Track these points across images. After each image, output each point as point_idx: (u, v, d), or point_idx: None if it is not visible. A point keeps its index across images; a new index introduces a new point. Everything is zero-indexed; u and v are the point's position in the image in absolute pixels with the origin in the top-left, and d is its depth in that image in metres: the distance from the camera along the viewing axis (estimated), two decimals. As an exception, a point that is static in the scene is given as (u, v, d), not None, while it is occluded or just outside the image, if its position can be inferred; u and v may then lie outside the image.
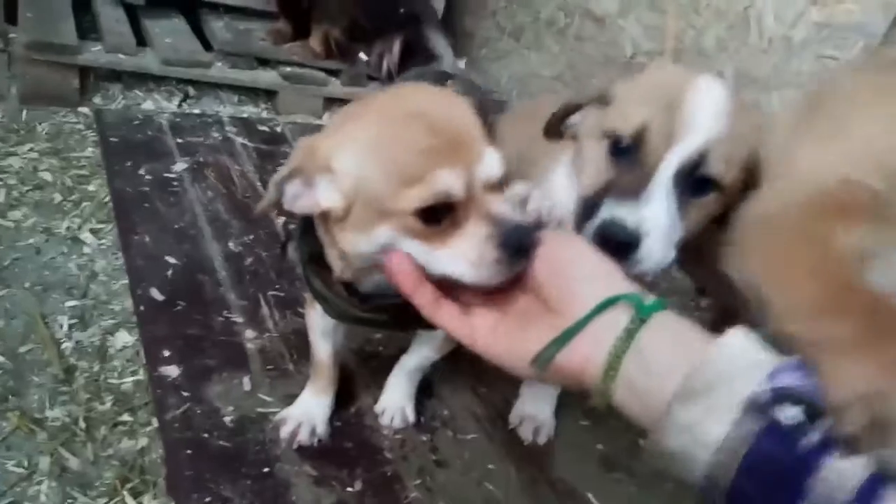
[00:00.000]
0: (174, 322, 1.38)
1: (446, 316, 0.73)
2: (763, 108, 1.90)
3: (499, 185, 0.78)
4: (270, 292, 1.53)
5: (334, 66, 2.66)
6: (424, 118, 0.74)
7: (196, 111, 2.35)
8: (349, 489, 1.16)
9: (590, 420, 1.44)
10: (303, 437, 1.19)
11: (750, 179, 0.94)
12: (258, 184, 1.94)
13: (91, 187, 1.80)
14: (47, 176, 1.80)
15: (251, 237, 1.69)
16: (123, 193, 1.74)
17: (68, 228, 1.64)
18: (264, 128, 2.30)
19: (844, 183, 0.73)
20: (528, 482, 1.27)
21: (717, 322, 1.16)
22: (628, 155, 0.92)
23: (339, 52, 2.65)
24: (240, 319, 1.44)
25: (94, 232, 1.65)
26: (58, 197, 1.74)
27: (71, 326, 1.39)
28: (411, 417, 1.31)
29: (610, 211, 0.88)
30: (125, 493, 1.11)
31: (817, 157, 0.81)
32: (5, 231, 1.58)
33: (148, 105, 2.29)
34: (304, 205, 0.80)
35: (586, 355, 0.64)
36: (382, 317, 0.96)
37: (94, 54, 2.18)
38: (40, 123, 2.01)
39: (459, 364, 1.45)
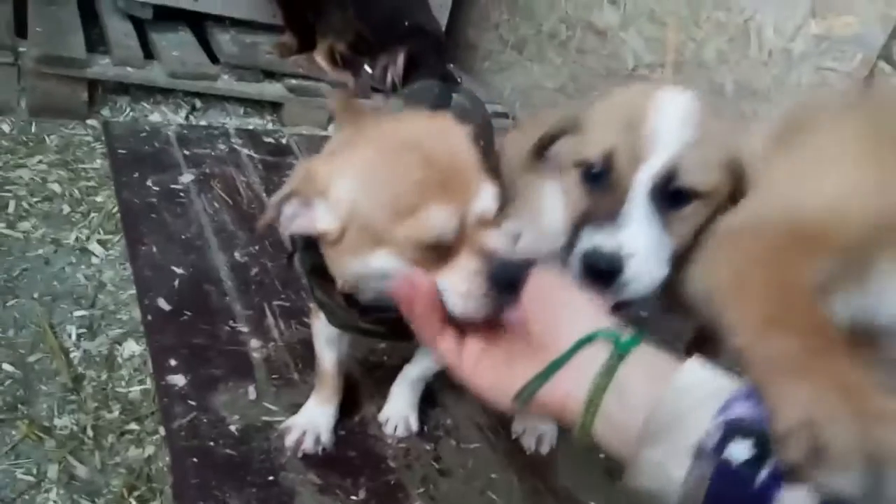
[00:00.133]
0: (181, 331, 1.40)
1: (443, 339, 0.74)
2: (763, 119, 1.91)
3: (494, 218, 0.79)
4: (276, 302, 1.55)
5: (339, 78, 2.69)
6: (421, 150, 0.76)
7: (203, 123, 2.38)
8: (353, 497, 1.17)
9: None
10: (307, 446, 1.20)
11: (736, 184, 0.94)
12: (264, 195, 1.96)
13: (99, 198, 1.83)
14: (56, 187, 1.82)
15: (257, 248, 1.71)
16: (131, 204, 1.76)
17: (77, 239, 1.66)
18: (270, 139, 2.32)
19: (818, 219, 0.75)
20: (530, 492, 1.28)
21: (694, 344, 1.18)
22: (601, 181, 0.93)
23: (343, 65, 2.69)
24: (245, 329, 1.45)
25: (102, 243, 1.67)
26: (66, 208, 1.76)
27: (79, 336, 1.41)
28: (414, 426, 1.32)
29: (589, 240, 0.88)
30: (132, 500, 1.13)
31: (794, 188, 0.83)
32: (15, 242, 1.60)
33: (155, 117, 2.32)
34: (300, 225, 0.82)
35: (567, 391, 0.64)
36: (382, 328, 0.98)
37: (102, 67, 2.21)
38: (49, 135, 2.04)
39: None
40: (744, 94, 1.97)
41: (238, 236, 1.74)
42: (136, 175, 1.88)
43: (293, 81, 2.58)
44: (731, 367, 0.61)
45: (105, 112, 2.25)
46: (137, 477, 1.17)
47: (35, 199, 1.76)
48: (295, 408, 1.26)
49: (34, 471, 1.14)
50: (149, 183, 1.86)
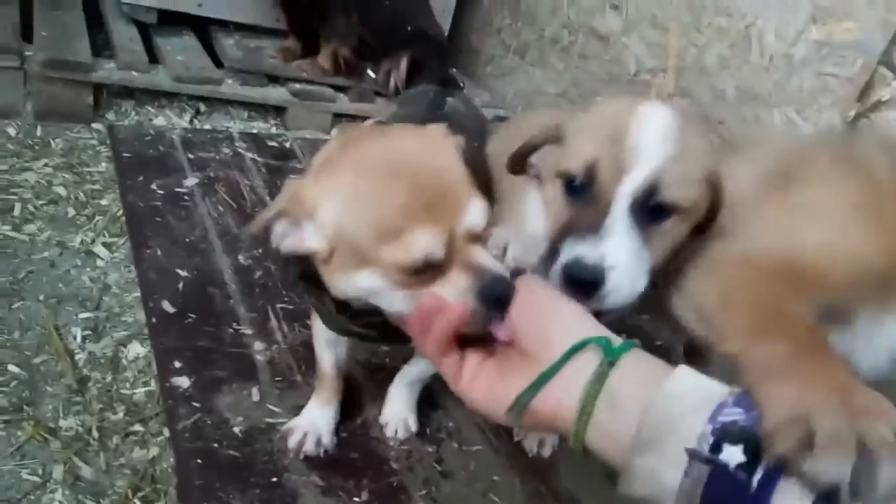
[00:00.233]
0: (185, 334, 1.41)
1: (447, 364, 0.75)
2: (764, 124, 1.92)
3: (481, 233, 0.79)
4: (279, 305, 1.56)
5: (342, 82, 2.71)
6: (407, 171, 0.76)
7: (207, 127, 2.39)
8: (356, 499, 1.17)
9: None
10: (309, 448, 1.21)
11: (713, 199, 0.96)
12: (267, 198, 1.97)
13: (104, 202, 1.84)
14: (61, 190, 1.84)
15: (260, 251, 1.72)
16: (136, 208, 1.77)
17: (82, 242, 1.67)
18: (274, 143, 2.34)
19: (811, 261, 0.83)
20: (532, 494, 1.29)
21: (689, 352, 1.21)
22: (582, 193, 0.94)
23: (347, 70, 2.70)
24: (249, 331, 1.46)
25: (107, 245, 1.69)
26: (72, 211, 1.77)
27: (84, 338, 1.42)
28: (414, 427, 1.33)
29: (570, 251, 0.88)
30: (137, 501, 1.13)
31: (790, 232, 0.90)
32: (20, 244, 1.62)
33: (160, 121, 2.34)
34: (291, 244, 0.83)
35: (559, 400, 0.65)
36: (373, 332, 0.99)
37: (107, 71, 2.23)
38: (55, 139, 2.06)
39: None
40: (745, 100, 1.98)
41: (242, 239, 1.75)
42: (141, 178, 1.90)
43: (297, 86, 2.59)
44: (721, 374, 0.62)
45: (110, 116, 2.27)
46: (142, 478, 1.18)
47: (40, 202, 1.77)
48: (298, 410, 1.27)
49: (39, 471, 1.15)
50: (153, 186, 1.88)
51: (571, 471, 1.36)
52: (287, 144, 2.36)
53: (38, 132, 2.06)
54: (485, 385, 0.71)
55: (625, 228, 0.89)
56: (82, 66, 2.14)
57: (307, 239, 0.81)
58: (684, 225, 0.95)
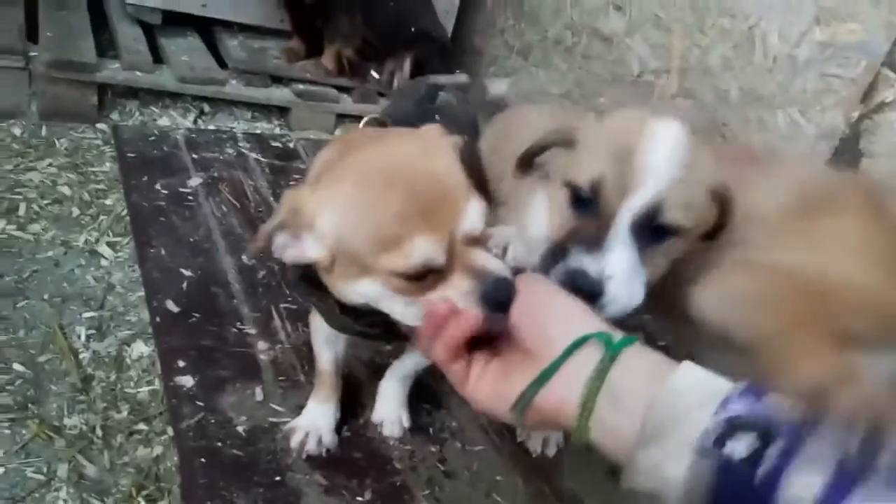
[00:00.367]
0: (189, 333, 1.41)
1: (455, 369, 0.75)
2: (768, 126, 1.92)
3: (481, 235, 0.79)
4: (283, 305, 1.56)
5: (346, 83, 2.71)
6: (403, 179, 0.76)
7: (211, 127, 2.40)
8: (359, 498, 1.17)
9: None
10: (310, 447, 1.21)
11: (723, 209, 0.98)
12: (271, 199, 1.98)
13: (108, 201, 1.85)
14: (66, 190, 1.85)
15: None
16: (140, 207, 1.78)
17: (86, 241, 1.68)
18: (277, 144, 2.34)
19: (840, 288, 0.90)
20: (535, 494, 1.29)
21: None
22: (588, 205, 0.95)
23: (350, 70, 2.71)
24: (253, 331, 1.46)
25: (111, 245, 1.69)
26: (76, 211, 1.78)
27: (89, 337, 1.42)
28: (407, 423, 1.32)
29: (575, 261, 0.91)
30: (141, 499, 1.14)
31: (819, 260, 0.96)
32: (25, 244, 1.62)
33: (164, 121, 2.35)
34: (292, 254, 0.83)
35: (562, 396, 0.65)
36: (375, 331, 0.99)
37: (111, 72, 2.24)
38: (59, 139, 2.07)
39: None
40: (748, 101, 1.98)
41: (245, 240, 1.76)
42: (145, 178, 1.90)
43: (300, 86, 2.60)
44: (725, 371, 0.62)
45: (114, 116, 2.28)
46: (146, 476, 1.18)
47: (45, 202, 1.78)
48: (301, 409, 1.27)
49: (44, 469, 1.16)
50: (157, 186, 1.88)
51: (575, 471, 1.36)
52: (291, 145, 2.37)
53: (43, 132, 2.07)
54: (489, 385, 0.72)
55: (625, 246, 0.91)
56: (87, 66, 2.15)
57: (308, 250, 0.81)
58: (685, 243, 0.98)
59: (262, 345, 1.43)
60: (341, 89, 2.69)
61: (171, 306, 1.47)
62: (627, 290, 0.91)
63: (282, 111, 2.61)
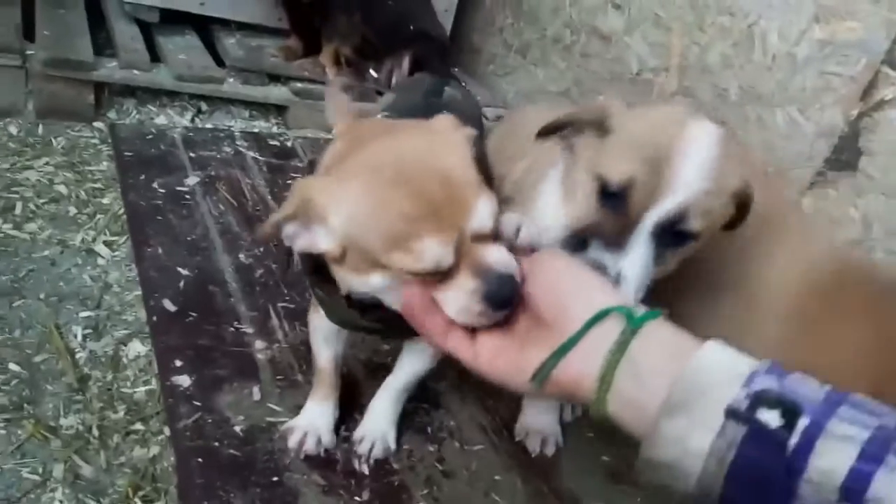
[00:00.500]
0: (186, 332, 1.40)
1: (454, 341, 0.75)
2: (767, 124, 1.92)
3: (490, 232, 0.79)
4: (280, 303, 1.55)
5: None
6: (414, 176, 0.76)
7: (208, 126, 2.39)
8: (357, 498, 1.17)
9: (596, 431, 1.45)
10: (309, 447, 1.20)
11: (738, 212, 1.01)
12: (269, 197, 1.97)
13: (105, 200, 1.84)
14: (63, 189, 1.84)
15: (261, 249, 1.72)
16: (137, 206, 1.77)
17: (83, 240, 1.67)
18: (275, 142, 2.33)
19: None
20: (534, 493, 1.28)
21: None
22: (615, 200, 0.96)
23: (349, 69, 2.70)
24: (250, 330, 1.46)
25: (108, 244, 1.69)
26: (73, 210, 1.77)
27: (85, 336, 1.42)
28: (392, 445, 1.27)
29: (595, 254, 0.93)
30: (137, 500, 1.14)
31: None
32: (21, 243, 1.62)
33: (161, 120, 2.34)
34: (302, 245, 0.83)
35: (581, 369, 0.65)
36: (380, 325, 0.99)
37: (108, 70, 2.23)
38: (56, 138, 2.06)
39: (466, 375, 1.46)
40: (748, 99, 1.98)
41: (243, 238, 1.75)
42: (142, 177, 1.89)
43: (298, 85, 2.59)
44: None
45: (111, 115, 2.27)
46: (142, 477, 1.17)
47: (42, 201, 1.77)
48: (299, 409, 1.26)
49: (40, 470, 1.15)
50: (155, 185, 1.87)
51: (574, 470, 1.35)
52: (288, 143, 2.36)
53: (40, 131, 2.06)
54: (503, 358, 0.72)
55: (645, 248, 0.94)
56: (84, 64, 2.14)
57: (319, 241, 0.81)
58: (697, 245, 1.00)
59: (259, 344, 1.43)
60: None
61: (169, 305, 1.46)
62: (634, 290, 0.92)
63: (279, 110, 2.61)
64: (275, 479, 1.16)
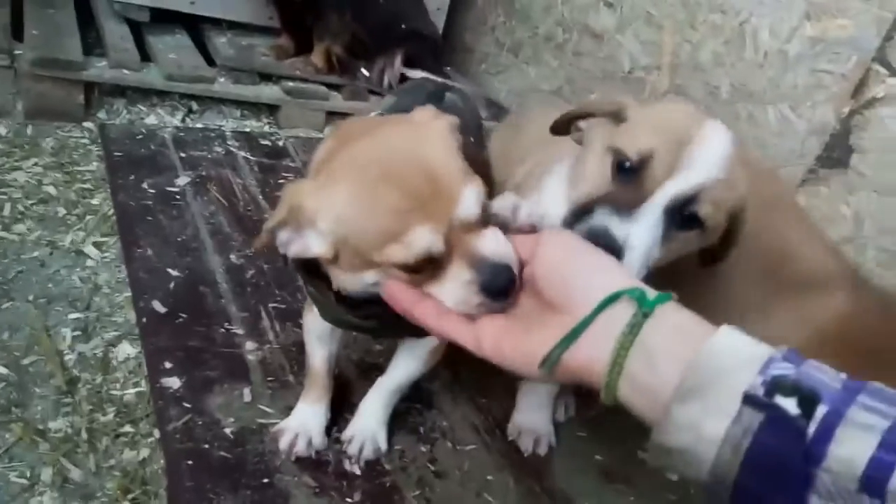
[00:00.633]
0: (176, 334, 1.39)
1: (450, 326, 0.75)
2: (758, 121, 1.92)
3: (481, 219, 0.79)
4: (271, 304, 1.55)
5: (336, 81, 2.69)
6: (399, 170, 0.76)
7: (199, 126, 2.38)
8: (348, 500, 1.16)
9: (588, 431, 1.45)
10: (300, 449, 1.20)
11: (731, 226, 1.00)
12: (260, 197, 1.96)
13: (95, 201, 1.83)
14: (52, 190, 1.82)
15: (252, 250, 1.71)
16: (127, 207, 1.76)
17: (72, 242, 1.66)
18: (266, 142, 2.32)
19: None
20: (526, 493, 1.28)
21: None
22: (630, 174, 0.96)
23: (340, 68, 2.69)
24: (241, 331, 1.45)
25: (97, 245, 1.67)
26: (62, 210, 1.76)
27: (74, 338, 1.41)
28: (383, 446, 1.26)
29: (602, 219, 0.91)
30: (127, 503, 1.12)
31: None
32: (10, 244, 1.60)
33: (151, 120, 2.32)
34: (296, 250, 0.84)
35: (591, 353, 0.63)
36: (373, 323, 0.99)
37: (98, 70, 2.21)
38: (45, 138, 2.04)
39: (459, 375, 1.46)
40: (739, 96, 1.98)
41: (234, 239, 1.74)
42: (132, 177, 1.88)
43: (290, 84, 2.58)
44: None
45: (101, 115, 2.25)
46: (132, 480, 1.17)
47: (30, 202, 1.75)
48: (290, 410, 1.26)
49: (28, 474, 1.14)
50: (145, 185, 1.86)
51: (566, 470, 1.35)
52: (280, 143, 2.35)
53: (29, 131, 2.05)
54: (509, 342, 0.70)
55: (655, 221, 0.92)
56: (73, 64, 2.13)
57: (311, 245, 0.82)
58: (698, 242, 1.00)
59: (250, 345, 1.42)
60: (331, 87, 2.67)
61: (158, 307, 1.45)
62: (638, 264, 0.90)
63: (271, 109, 2.60)
64: (265, 480, 1.15)
